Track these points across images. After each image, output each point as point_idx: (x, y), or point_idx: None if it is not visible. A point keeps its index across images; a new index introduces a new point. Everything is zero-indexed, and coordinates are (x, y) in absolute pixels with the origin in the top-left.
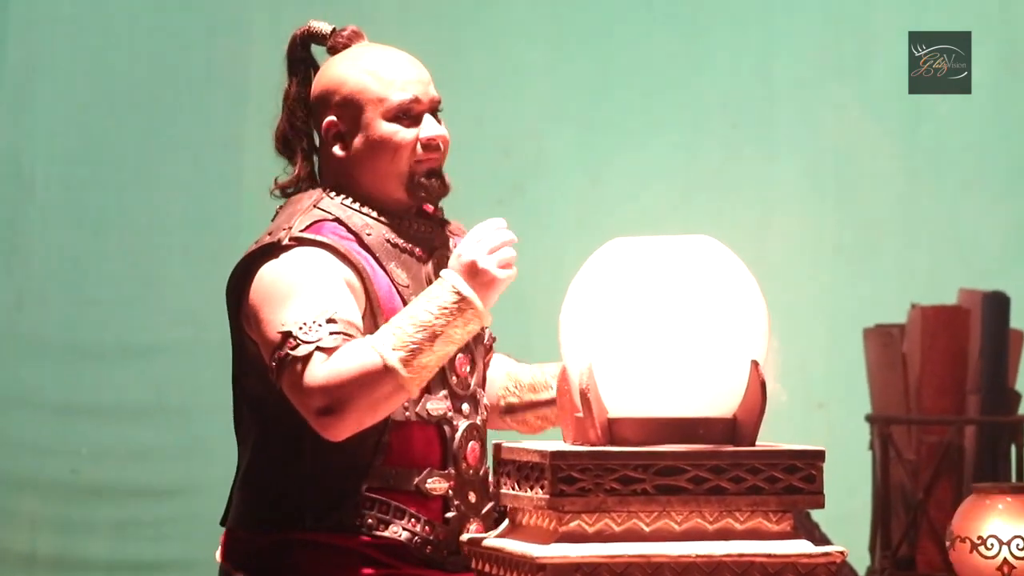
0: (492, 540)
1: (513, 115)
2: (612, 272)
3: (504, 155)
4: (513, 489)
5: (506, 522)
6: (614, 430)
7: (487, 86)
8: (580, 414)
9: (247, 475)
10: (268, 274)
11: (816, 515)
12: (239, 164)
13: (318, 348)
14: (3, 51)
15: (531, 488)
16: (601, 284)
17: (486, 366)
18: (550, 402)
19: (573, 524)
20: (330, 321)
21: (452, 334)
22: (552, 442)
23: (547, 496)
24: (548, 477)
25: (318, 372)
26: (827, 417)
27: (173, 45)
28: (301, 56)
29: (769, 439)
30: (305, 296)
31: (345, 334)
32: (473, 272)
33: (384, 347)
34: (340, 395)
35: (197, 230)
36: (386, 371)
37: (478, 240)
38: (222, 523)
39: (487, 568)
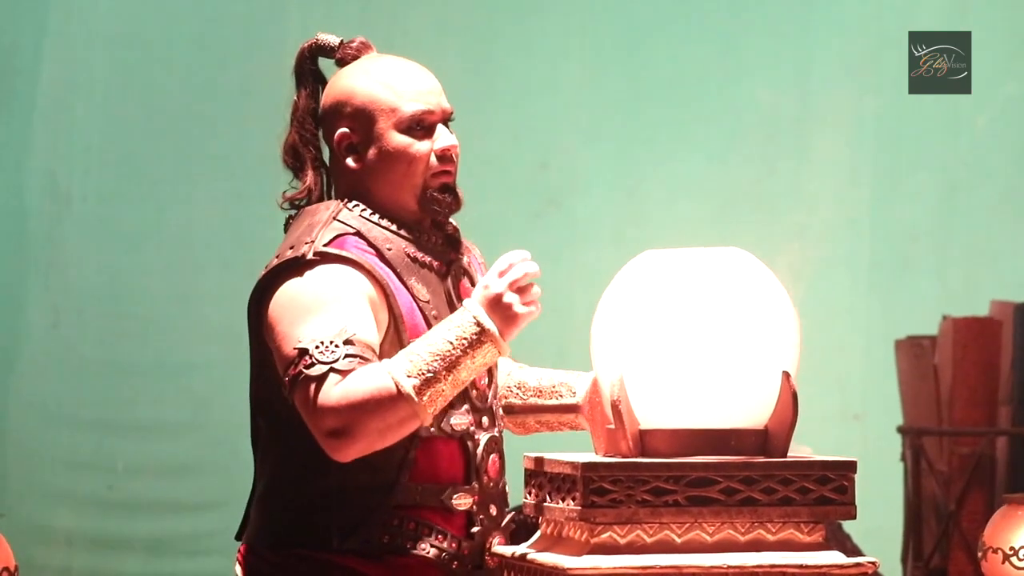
0: (523, 552)
1: (550, 129)
2: (643, 284)
3: (541, 169)
4: (544, 501)
5: (537, 533)
6: (645, 441)
7: (523, 100)
8: (612, 426)
9: (269, 491)
10: (289, 290)
11: (850, 526)
12: (276, 179)
13: (332, 369)
14: (40, 67)
15: (562, 500)
16: (632, 296)
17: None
18: (555, 408)
19: (605, 536)
20: (347, 343)
21: (469, 365)
22: (583, 454)
23: (579, 507)
24: (580, 488)
25: (331, 393)
26: (863, 429)
27: (210, 60)
28: (309, 69)
29: (805, 450)
30: (325, 314)
31: (361, 357)
32: (496, 306)
33: (399, 374)
34: (352, 418)
35: (235, 245)
36: (400, 397)
37: (502, 272)
38: (238, 538)
39: None
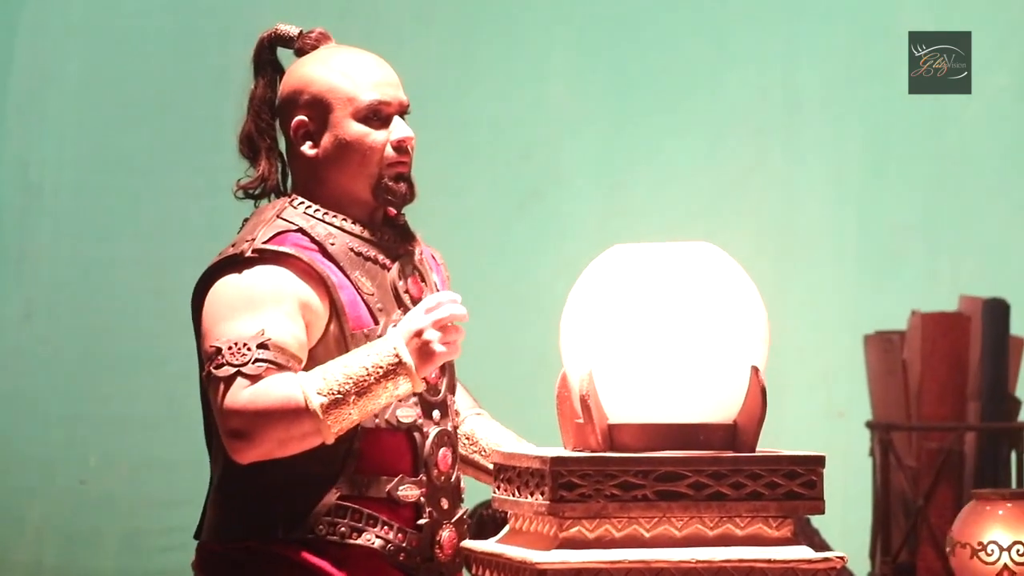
0: (492, 546)
1: (532, 120)
2: (612, 278)
3: (523, 160)
4: (513, 495)
5: (506, 528)
6: (614, 436)
7: (506, 90)
8: (580, 420)
9: (219, 486)
10: (220, 287)
11: (827, 521)
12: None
13: (240, 373)
14: (12, 56)
15: (531, 494)
16: (601, 290)
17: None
18: (488, 472)
19: (573, 530)
20: (261, 347)
21: (380, 393)
22: (552, 448)
23: (547, 502)
24: (548, 483)
25: (240, 396)
26: (847, 426)
27: (184, 51)
28: (268, 59)
29: (789, 447)
30: (248, 315)
31: (272, 362)
32: (415, 339)
33: (310, 389)
34: (255, 423)
35: (209, 238)
36: (305, 412)
37: (429, 309)
38: (196, 536)
39: (487, 574)
